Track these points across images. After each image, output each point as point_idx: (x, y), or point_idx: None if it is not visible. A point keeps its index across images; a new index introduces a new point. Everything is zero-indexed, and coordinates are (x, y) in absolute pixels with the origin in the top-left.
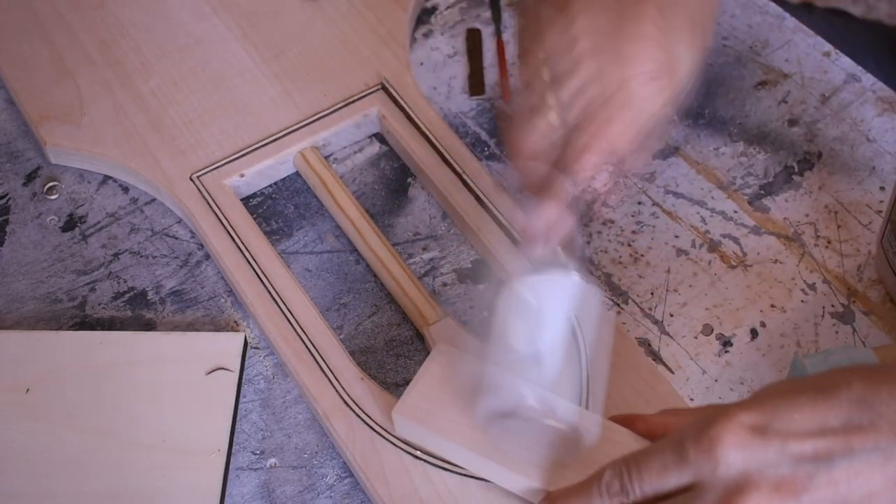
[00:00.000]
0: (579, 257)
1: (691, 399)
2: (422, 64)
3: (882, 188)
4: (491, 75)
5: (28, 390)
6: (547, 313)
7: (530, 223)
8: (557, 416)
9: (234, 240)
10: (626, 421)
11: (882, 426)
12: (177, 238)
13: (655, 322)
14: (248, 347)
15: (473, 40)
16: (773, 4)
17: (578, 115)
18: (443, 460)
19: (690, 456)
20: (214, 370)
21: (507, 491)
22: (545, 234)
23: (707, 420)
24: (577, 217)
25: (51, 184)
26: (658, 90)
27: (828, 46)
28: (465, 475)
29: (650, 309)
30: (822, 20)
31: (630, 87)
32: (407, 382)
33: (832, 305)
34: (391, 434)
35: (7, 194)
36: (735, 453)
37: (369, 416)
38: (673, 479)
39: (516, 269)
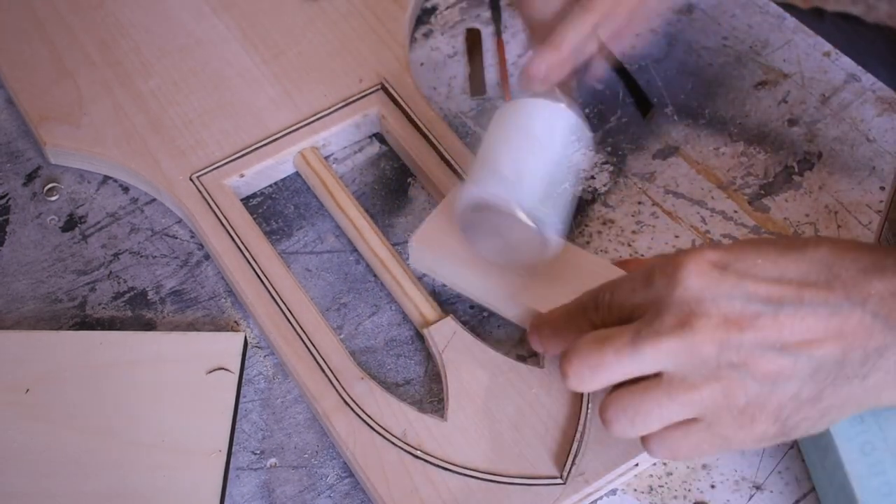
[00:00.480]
0: (575, 98)
1: None
2: (422, 64)
3: (882, 188)
4: (491, 75)
5: (28, 390)
6: (534, 137)
7: (531, 64)
8: (525, 211)
9: (234, 240)
10: (624, 264)
11: (836, 286)
12: (177, 238)
13: None
14: (249, 347)
15: (473, 40)
16: (773, 4)
17: None
18: (444, 459)
19: (656, 279)
20: (214, 370)
21: (508, 491)
22: (544, 75)
23: (678, 254)
24: (576, 70)
25: (51, 185)
26: None
27: (828, 46)
28: (467, 476)
29: None
30: (832, 25)
31: None
32: (407, 382)
33: None
34: (391, 434)
35: (7, 194)
36: (694, 280)
37: (370, 416)
38: (638, 297)
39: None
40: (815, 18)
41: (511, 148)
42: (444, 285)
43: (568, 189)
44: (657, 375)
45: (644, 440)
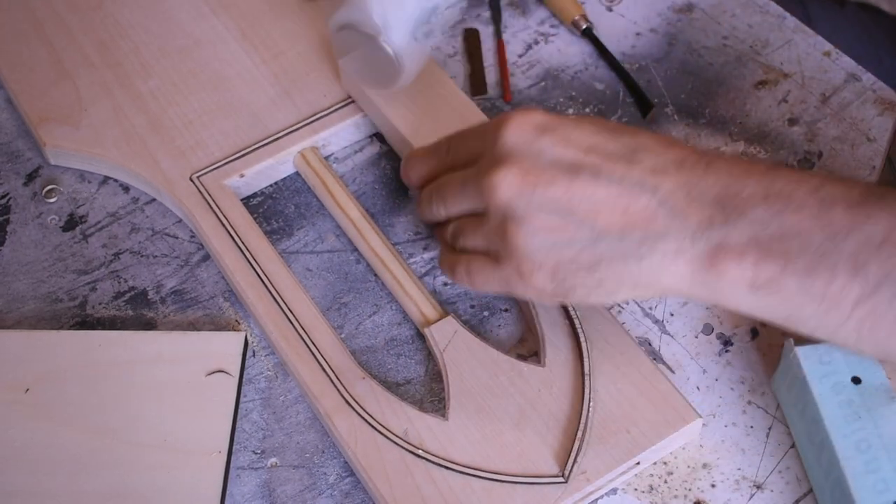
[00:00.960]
0: None
1: (698, 390)
2: None
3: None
4: (491, 75)
5: (28, 390)
6: None
7: None
8: (389, 39)
9: (234, 240)
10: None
11: (635, 169)
12: (177, 237)
13: (656, 321)
14: (249, 347)
15: (472, 40)
16: (773, 4)
17: None
18: (446, 458)
19: (488, 132)
20: (214, 372)
21: (510, 490)
22: None
23: (511, 111)
24: None
25: (50, 187)
26: None
27: (828, 46)
28: (469, 475)
29: (650, 308)
30: (852, 15)
31: None
32: (408, 382)
33: None
34: (393, 433)
35: (7, 194)
36: (512, 135)
37: (371, 416)
38: (473, 144)
39: None
40: (836, 7)
41: None
42: (445, 284)
43: (435, 23)
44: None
45: (452, 263)
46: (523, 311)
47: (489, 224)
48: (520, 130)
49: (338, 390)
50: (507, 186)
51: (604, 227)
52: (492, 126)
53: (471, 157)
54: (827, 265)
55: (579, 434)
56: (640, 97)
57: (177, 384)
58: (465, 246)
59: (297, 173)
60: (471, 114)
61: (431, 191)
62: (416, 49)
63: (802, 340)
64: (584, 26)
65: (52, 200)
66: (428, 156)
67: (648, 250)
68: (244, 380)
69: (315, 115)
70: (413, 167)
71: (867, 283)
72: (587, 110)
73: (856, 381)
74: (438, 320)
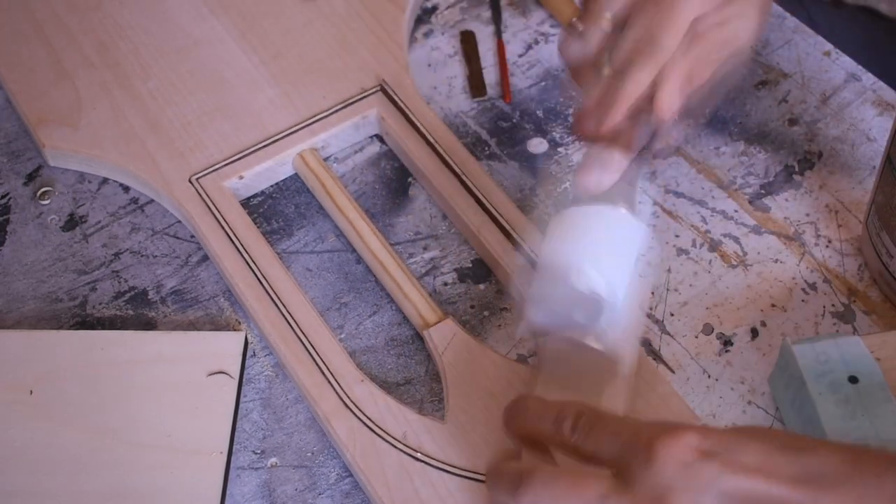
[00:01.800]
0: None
1: (694, 390)
2: (427, 65)
3: None
4: (491, 76)
5: (31, 392)
6: (600, 246)
7: (588, 169)
8: (599, 334)
9: (233, 242)
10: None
11: (852, 486)
12: (177, 237)
13: (656, 321)
14: (249, 347)
15: (469, 42)
16: (773, 4)
17: (629, 57)
18: (444, 461)
19: (637, 445)
20: (214, 374)
21: None
22: (600, 175)
23: (674, 424)
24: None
25: (44, 189)
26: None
27: (828, 46)
28: (468, 478)
29: (651, 308)
30: (849, 17)
31: (672, 34)
32: (408, 382)
33: (833, 305)
34: (392, 436)
35: (8, 194)
36: (670, 466)
37: (370, 419)
38: (614, 450)
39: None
40: (834, 9)
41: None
42: (445, 284)
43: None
44: None
45: None
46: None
47: None
48: (677, 458)
49: (336, 393)
50: None
51: None
52: (638, 439)
53: (601, 455)
54: None
55: None
56: None
57: (177, 384)
58: None
59: (296, 175)
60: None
61: (547, 485)
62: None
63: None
64: (580, 28)
65: (45, 202)
66: (543, 414)
67: None
68: (244, 380)
69: (314, 116)
70: (520, 415)
71: None
72: None
73: (852, 379)
74: (437, 322)
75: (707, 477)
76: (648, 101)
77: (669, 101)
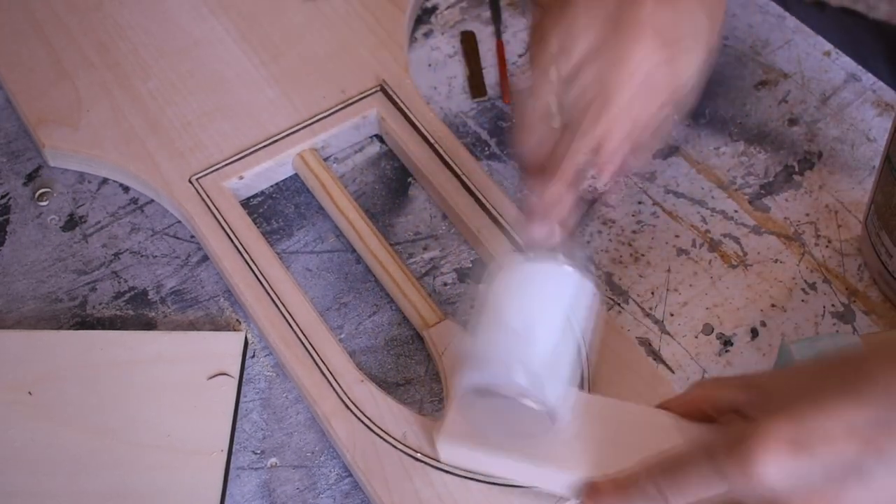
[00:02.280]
0: (580, 255)
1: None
2: (428, 65)
3: None
4: (491, 76)
5: (31, 392)
6: (542, 298)
7: (532, 201)
8: (541, 396)
9: (233, 242)
10: (666, 405)
11: None
12: (177, 237)
13: (656, 322)
14: (249, 347)
15: (469, 43)
16: (773, 4)
17: (580, 108)
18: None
19: (727, 471)
20: (215, 376)
21: (508, 493)
22: (546, 212)
23: (740, 433)
24: (579, 205)
25: (42, 190)
26: (657, 84)
27: (828, 46)
28: (467, 478)
29: (651, 308)
30: (833, 19)
31: (624, 83)
32: (408, 382)
33: (832, 305)
34: (391, 436)
35: (7, 194)
36: (770, 471)
37: (370, 419)
38: (711, 491)
39: (512, 254)
40: (817, 11)
41: (510, 323)
42: (445, 284)
43: (572, 355)
44: None
45: None
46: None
47: None
48: (773, 459)
49: (336, 393)
50: None
51: None
52: (730, 461)
53: (697, 497)
54: None
55: None
56: None
57: (177, 384)
58: None
59: (296, 175)
60: (641, 416)
61: None
62: (561, 386)
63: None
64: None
65: (44, 204)
66: (624, 494)
67: None
68: (244, 380)
69: (314, 116)
70: None
71: None
72: None
73: None
74: (437, 323)
75: (807, 464)
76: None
77: (613, 160)
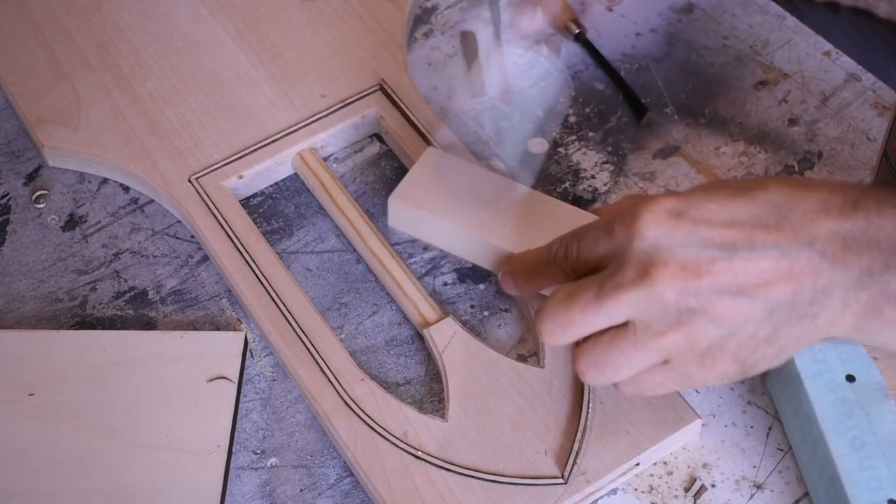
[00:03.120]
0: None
1: (697, 392)
2: (427, 64)
3: None
4: (491, 76)
5: (31, 392)
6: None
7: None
8: (503, 157)
9: (232, 242)
10: (596, 212)
11: (785, 227)
12: (177, 237)
13: None
14: (249, 346)
15: (469, 43)
16: (773, 4)
17: None
18: (445, 460)
19: (616, 230)
20: (215, 378)
21: (509, 491)
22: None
23: (635, 204)
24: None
25: (39, 192)
26: None
27: (828, 46)
28: (468, 476)
29: None
30: (846, 19)
31: None
32: (408, 382)
33: None
34: (392, 435)
35: (7, 194)
36: (650, 230)
37: (370, 417)
38: (602, 247)
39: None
40: (830, 11)
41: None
42: (445, 284)
43: (542, 141)
44: (624, 325)
45: (614, 383)
46: (523, 311)
47: (652, 331)
48: (656, 222)
49: (337, 392)
50: (670, 286)
51: (776, 296)
52: (618, 225)
53: (595, 260)
54: None
55: (579, 435)
56: (633, 102)
57: (177, 384)
58: (618, 372)
59: (295, 174)
60: (570, 214)
61: (552, 315)
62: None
63: None
64: (576, 31)
65: (41, 206)
66: (540, 264)
67: (819, 308)
68: (244, 380)
69: (313, 116)
70: (526, 282)
71: None
72: (587, 110)
73: (850, 378)
74: (437, 321)
75: (683, 233)
76: None
77: None
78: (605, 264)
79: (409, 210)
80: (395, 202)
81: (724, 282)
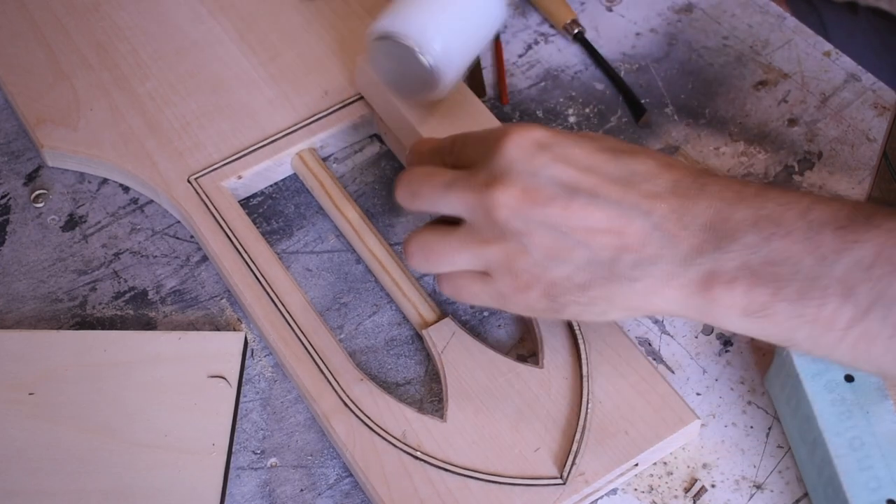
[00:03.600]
0: None
1: (698, 394)
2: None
3: None
4: (491, 76)
5: (31, 392)
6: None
7: None
8: (429, 52)
9: (232, 242)
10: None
11: (631, 193)
12: (177, 237)
13: (656, 322)
14: (249, 346)
15: None
16: (773, 4)
17: None
18: (444, 460)
19: (489, 142)
20: (214, 377)
21: (508, 492)
22: None
23: (516, 125)
24: None
25: (38, 192)
26: None
27: (828, 46)
28: (467, 476)
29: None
30: (865, 20)
31: None
32: (408, 382)
33: None
34: (391, 435)
35: (7, 194)
36: (511, 150)
37: (369, 418)
38: (476, 151)
39: None
40: (849, 12)
41: None
42: None
43: (473, 40)
44: (459, 225)
45: (436, 276)
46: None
47: (479, 237)
48: (519, 146)
49: (336, 392)
50: (505, 204)
51: (598, 248)
52: (493, 137)
53: (469, 162)
54: (818, 289)
55: (577, 435)
56: (632, 102)
57: (177, 384)
58: (440, 264)
59: (295, 175)
60: (485, 118)
61: (411, 179)
62: (454, 63)
63: None
64: (575, 31)
65: (40, 205)
66: (433, 149)
67: (641, 273)
68: (244, 380)
69: (313, 116)
70: (416, 156)
71: (858, 305)
72: (587, 110)
73: (848, 379)
74: (437, 322)
75: (539, 163)
76: None
77: None
78: (472, 166)
79: (371, 75)
80: (361, 64)
81: (555, 218)
